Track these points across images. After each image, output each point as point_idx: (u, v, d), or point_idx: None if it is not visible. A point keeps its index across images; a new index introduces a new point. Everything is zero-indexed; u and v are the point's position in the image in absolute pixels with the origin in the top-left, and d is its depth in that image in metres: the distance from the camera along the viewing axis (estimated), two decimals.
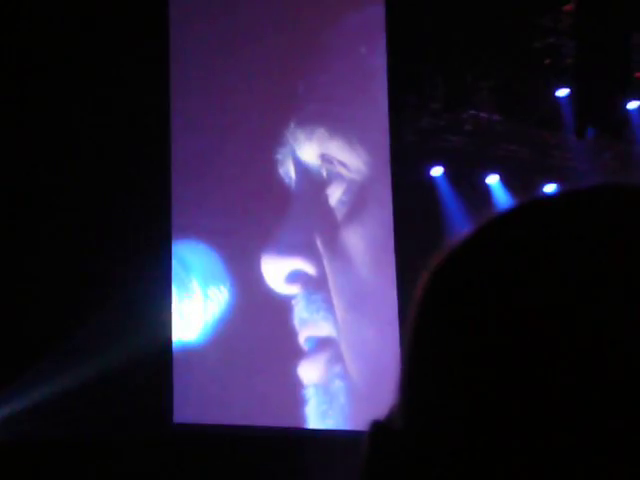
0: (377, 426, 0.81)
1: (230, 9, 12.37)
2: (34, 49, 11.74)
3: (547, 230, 0.77)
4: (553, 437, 0.69)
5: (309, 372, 12.44)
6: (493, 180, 13.37)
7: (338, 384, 12.55)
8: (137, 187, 11.98)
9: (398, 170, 12.35)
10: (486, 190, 13.39)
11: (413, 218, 12.45)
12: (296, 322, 12.70)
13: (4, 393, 11.35)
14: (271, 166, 12.44)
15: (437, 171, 13.18)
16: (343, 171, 12.50)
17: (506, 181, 13.33)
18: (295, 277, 12.24)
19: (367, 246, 12.72)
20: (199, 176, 12.24)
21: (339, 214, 12.76)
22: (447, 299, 0.77)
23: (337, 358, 12.52)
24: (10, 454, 10.95)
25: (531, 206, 0.81)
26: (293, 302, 12.61)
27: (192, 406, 12.51)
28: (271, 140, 12.36)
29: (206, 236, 12.43)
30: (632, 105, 13.02)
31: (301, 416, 12.50)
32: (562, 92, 13.00)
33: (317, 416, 12.50)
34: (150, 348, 12.02)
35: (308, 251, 12.43)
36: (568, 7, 12.34)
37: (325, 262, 12.69)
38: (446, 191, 13.22)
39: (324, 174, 12.55)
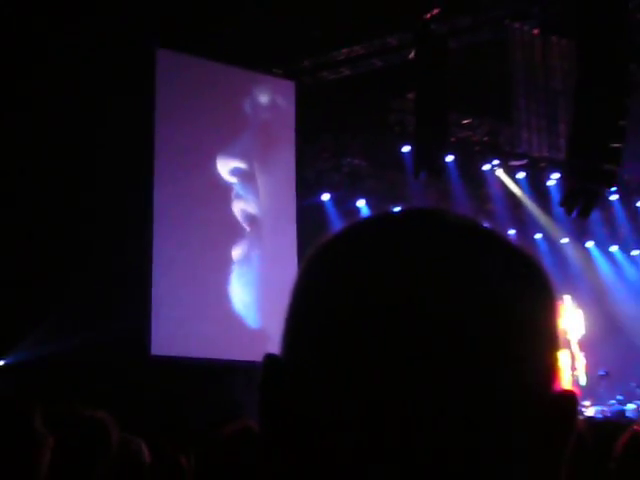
0: (269, 357, 0.92)
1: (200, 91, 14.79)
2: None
3: (358, 242, 0.92)
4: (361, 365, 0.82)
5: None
6: (361, 204, 16.73)
7: None
8: None
9: (300, 195, 15.80)
10: (357, 211, 16.61)
11: (312, 229, 14.75)
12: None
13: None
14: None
15: (325, 197, 16.56)
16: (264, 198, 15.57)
17: (370, 205, 16.55)
18: None
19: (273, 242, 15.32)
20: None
21: (264, 228, 15.65)
22: (307, 276, 0.91)
23: None
24: (26, 371, 12.14)
25: (358, 223, 0.97)
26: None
27: (167, 341, 14.03)
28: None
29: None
30: (448, 158, 16.34)
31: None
32: (406, 148, 16.29)
33: None
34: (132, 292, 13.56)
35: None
36: (411, 95, 15.51)
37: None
38: (332, 212, 16.51)
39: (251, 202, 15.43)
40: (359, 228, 0.96)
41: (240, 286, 15.21)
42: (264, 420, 0.91)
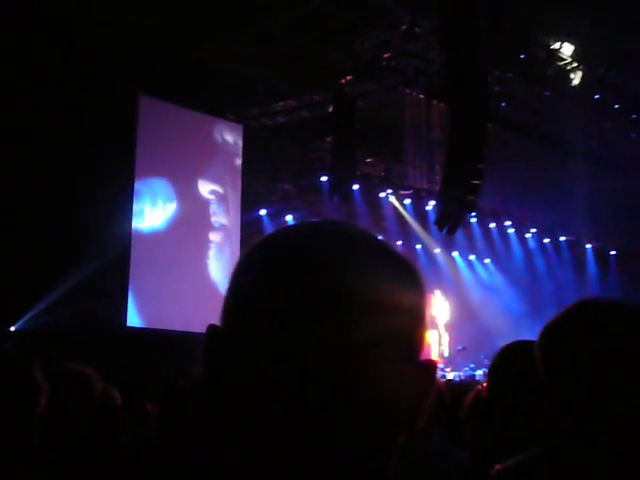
0: (211, 327, 0.89)
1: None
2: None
3: (278, 244, 0.90)
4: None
5: None
6: (289, 219, 16.50)
7: None
8: None
9: (244, 211, 15.79)
10: (286, 224, 16.18)
11: (254, 236, 14.33)
12: None
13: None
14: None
15: (263, 212, 16.48)
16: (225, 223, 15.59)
17: (296, 219, 16.07)
18: None
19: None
20: None
21: (231, 232, 15.58)
22: (240, 267, 0.89)
23: None
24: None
25: (283, 229, 0.95)
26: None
27: (142, 314, 13.77)
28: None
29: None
30: (355, 187, 16.48)
31: None
32: (324, 178, 16.52)
33: None
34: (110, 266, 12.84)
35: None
36: (329, 139, 15.84)
37: None
38: (267, 224, 16.37)
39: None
40: (282, 234, 0.95)
41: (214, 270, 15.04)
42: (207, 376, 0.90)
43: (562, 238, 20.68)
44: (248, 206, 15.96)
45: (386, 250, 0.93)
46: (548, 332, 1.65)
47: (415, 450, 3.00)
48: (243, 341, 0.86)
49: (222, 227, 15.52)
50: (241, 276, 0.91)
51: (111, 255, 12.80)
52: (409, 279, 0.93)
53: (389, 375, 0.85)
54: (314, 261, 0.86)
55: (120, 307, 13.51)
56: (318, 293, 0.84)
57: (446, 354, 17.85)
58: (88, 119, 12.38)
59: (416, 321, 0.91)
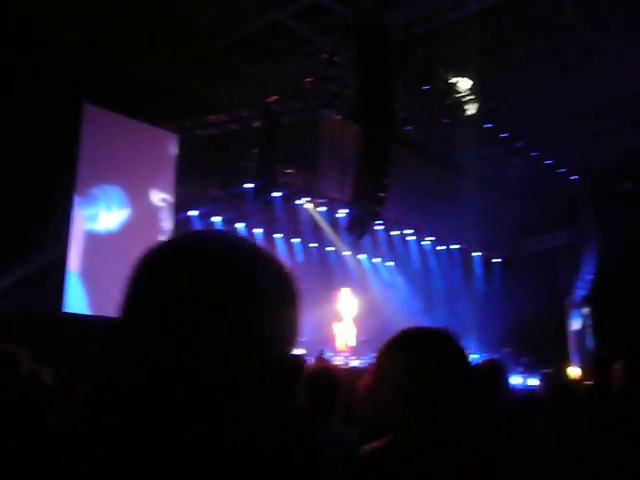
0: (114, 320, 0.86)
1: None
2: None
3: (175, 247, 0.91)
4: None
5: None
6: (217, 220, 16.52)
7: None
8: None
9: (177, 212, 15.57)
10: (213, 225, 16.34)
11: None
12: None
13: None
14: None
15: (194, 213, 16.26)
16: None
17: (224, 221, 16.61)
18: None
19: None
20: None
21: None
22: (141, 263, 0.87)
23: None
24: None
25: (180, 235, 0.96)
26: None
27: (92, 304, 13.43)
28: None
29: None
30: (276, 194, 16.41)
31: None
32: (248, 185, 15.91)
33: None
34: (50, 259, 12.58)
35: None
36: (255, 150, 15.59)
37: None
38: (198, 224, 16.00)
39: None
40: (179, 238, 0.97)
41: None
42: (108, 359, 0.90)
43: (454, 246, 21.04)
44: (180, 208, 15.72)
45: (266, 257, 0.95)
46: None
47: (314, 434, 3.07)
48: (141, 327, 0.86)
49: (169, 230, 15.33)
50: (143, 272, 0.91)
51: (51, 250, 12.52)
52: (284, 285, 0.95)
53: (270, 361, 0.87)
54: (210, 261, 0.88)
55: (59, 295, 13.16)
56: (210, 288, 0.85)
57: (353, 344, 17.91)
58: (33, 126, 12.03)
59: (290, 324, 0.93)
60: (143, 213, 14.63)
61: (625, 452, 1.95)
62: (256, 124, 15.55)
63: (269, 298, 0.90)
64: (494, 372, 4.00)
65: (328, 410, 3.11)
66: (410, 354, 1.59)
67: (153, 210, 14.88)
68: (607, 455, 1.93)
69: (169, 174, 15.42)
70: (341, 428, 3.25)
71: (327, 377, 3.17)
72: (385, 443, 1.53)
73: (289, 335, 0.92)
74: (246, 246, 0.95)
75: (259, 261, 0.93)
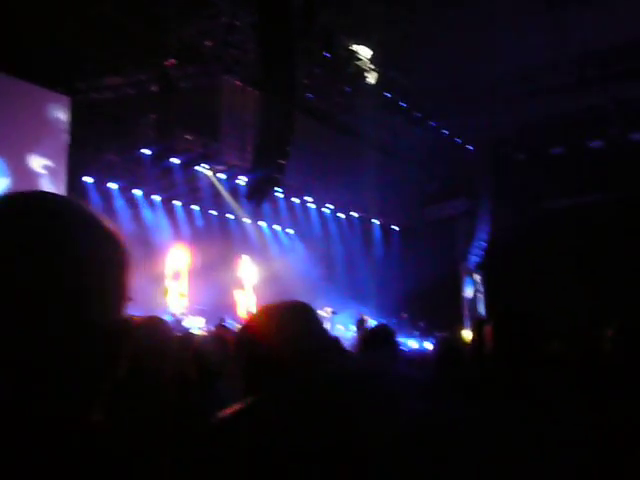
0: None
1: None
2: None
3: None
4: None
5: None
6: (114, 186, 16.09)
7: None
8: None
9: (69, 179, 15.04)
10: (111, 192, 16.12)
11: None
12: None
13: None
14: None
15: (89, 179, 15.63)
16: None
17: (120, 187, 16.15)
18: None
19: None
20: None
21: None
22: None
23: None
24: None
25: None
26: None
27: None
28: None
29: None
30: (175, 160, 16.53)
31: None
32: (145, 151, 15.67)
33: None
34: None
35: None
36: (153, 115, 15.17)
37: None
38: (92, 191, 15.69)
39: None
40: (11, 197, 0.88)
41: None
42: None
43: (354, 214, 21.35)
44: (74, 174, 15.14)
45: (94, 218, 0.90)
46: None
47: (202, 400, 3.07)
48: None
49: None
50: None
51: None
52: (112, 241, 0.90)
53: (81, 324, 0.82)
54: (38, 218, 0.84)
55: None
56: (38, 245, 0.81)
57: (253, 311, 17.98)
58: None
59: (118, 286, 0.88)
60: (24, 182, 13.74)
61: (486, 412, 2.06)
62: (154, 88, 15.06)
63: (82, 257, 0.84)
64: (385, 336, 4.10)
65: (216, 376, 3.13)
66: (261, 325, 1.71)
67: (35, 178, 14.08)
68: (470, 415, 2.03)
69: (58, 139, 14.72)
70: (229, 392, 3.25)
71: (215, 344, 3.19)
72: (244, 407, 1.55)
73: (108, 297, 0.87)
74: (63, 202, 0.89)
75: (73, 217, 0.87)
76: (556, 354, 3.67)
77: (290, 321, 1.71)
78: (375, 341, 3.99)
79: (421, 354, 8.40)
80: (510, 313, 2.45)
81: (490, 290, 20.47)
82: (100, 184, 15.94)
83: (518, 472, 1.95)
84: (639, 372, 3.26)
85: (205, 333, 9.80)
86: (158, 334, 2.79)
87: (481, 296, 20.88)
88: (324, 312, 16.49)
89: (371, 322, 15.18)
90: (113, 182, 16.21)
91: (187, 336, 4.28)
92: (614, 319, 3.77)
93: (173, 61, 14.68)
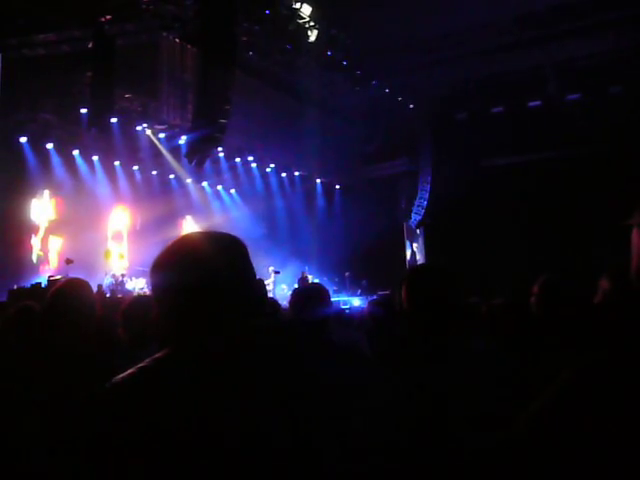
0: None
1: None
2: None
3: None
4: None
5: None
6: (50, 146, 15.89)
7: None
8: None
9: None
10: (48, 152, 16.05)
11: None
12: None
13: None
14: None
15: (23, 140, 15.49)
16: None
17: (56, 148, 16.09)
18: None
19: None
20: None
21: None
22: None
23: None
24: None
25: None
26: None
27: None
28: None
29: None
30: (113, 119, 16.65)
31: None
32: (83, 110, 15.42)
33: None
34: None
35: None
36: (89, 74, 14.58)
37: None
38: (29, 152, 15.48)
39: None
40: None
41: None
42: None
43: (296, 173, 21.38)
44: (9, 133, 14.79)
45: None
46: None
47: (129, 361, 3.13)
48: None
49: None
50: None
51: None
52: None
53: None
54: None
55: None
56: None
57: None
58: None
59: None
60: None
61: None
62: (90, 45, 14.54)
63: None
64: (317, 294, 4.18)
65: (144, 340, 3.17)
66: (174, 272, 1.56)
67: None
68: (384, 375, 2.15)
69: None
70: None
71: (142, 307, 3.24)
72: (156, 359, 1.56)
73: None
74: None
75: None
76: (472, 308, 3.80)
77: (212, 258, 1.52)
78: (307, 301, 4.06)
79: (361, 313, 8.58)
80: (421, 269, 2.51)
81: (431, 248, 20.84)
82: (36, 144, 15.59)
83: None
84: (557, 325, 3.46)
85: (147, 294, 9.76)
86: (75, 292, 2.89)
87: (422, 253, 21.25)
88: (268, 271, 16.61)
89: (314, 281, 15.35)
90: (50, 142, 15.84)
91: (119, 298, 4.31)
92: (542, 275, 3.95)
93: (109, 17, 14.29)
